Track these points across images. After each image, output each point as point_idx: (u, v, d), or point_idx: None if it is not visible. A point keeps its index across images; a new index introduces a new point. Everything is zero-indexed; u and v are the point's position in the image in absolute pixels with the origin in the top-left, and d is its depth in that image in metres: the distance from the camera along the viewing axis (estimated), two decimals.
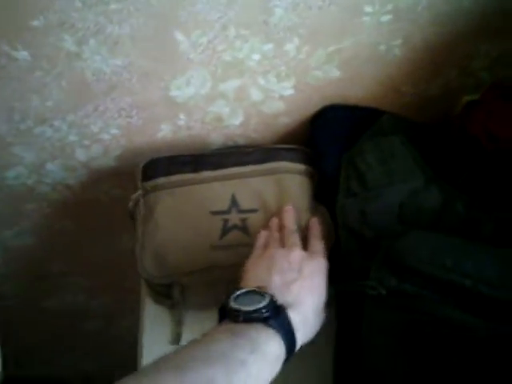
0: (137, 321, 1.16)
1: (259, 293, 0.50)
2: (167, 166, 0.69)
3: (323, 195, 0.68)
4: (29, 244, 0.91)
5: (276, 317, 0.48)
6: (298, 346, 0.49)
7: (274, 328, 0.47)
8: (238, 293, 0.50)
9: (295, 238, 0.60)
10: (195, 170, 0.69)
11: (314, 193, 0.69)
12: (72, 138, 0.73)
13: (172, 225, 0.65)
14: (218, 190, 0.67)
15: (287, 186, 0.68)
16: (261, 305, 0.47)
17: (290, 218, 0.64)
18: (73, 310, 1.09)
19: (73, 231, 0.90)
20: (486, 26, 0.69)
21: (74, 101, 0.69)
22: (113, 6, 0.59)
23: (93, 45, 0.63)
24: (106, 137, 0.74)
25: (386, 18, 0.65)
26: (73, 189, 0.82)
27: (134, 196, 0.68)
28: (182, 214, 0.66)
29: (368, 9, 0.64)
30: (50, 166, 0.77)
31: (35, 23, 0.59)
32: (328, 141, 0.71)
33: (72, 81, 0.66)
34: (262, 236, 0.63)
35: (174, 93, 0.70)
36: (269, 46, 0.66)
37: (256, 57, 0.67)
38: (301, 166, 0.70)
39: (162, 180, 0.68)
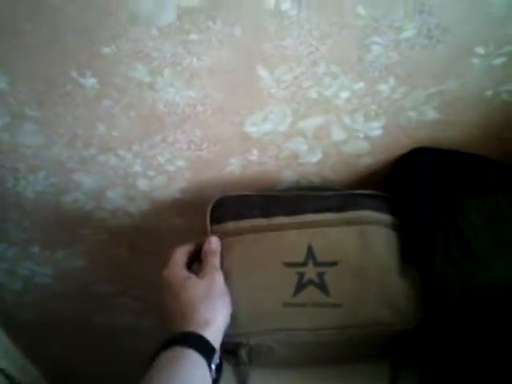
0: None
1: None
2: (236, 208, 0.63)
3: (412, 254, 0.60)
4: (81, 266, 0.87)
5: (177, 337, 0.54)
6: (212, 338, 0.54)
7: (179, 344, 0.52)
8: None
9: None
10: (267, 215, 0.62)
11: (402, 251, 0.61)
12: (136, 167, 0.69)
13: (242, 277, 0.59)
14: (292, 238, 0.60)
15: (372, 239, 0.60)
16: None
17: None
18: (120, 329, 1.06)
19: (127, 257, 0.86)
20: None
21: (142, 131, 0.63)
22: (193, 37, 0.53)
23: (167, 76, 0.57)
24: (171, 168, 0.69)
25: (499, 60, 0.57)
26: (133, 216, 0.77)
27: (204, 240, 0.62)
28: (253, 264, 0.60)
29: (480, 50, 0.56)
30: (110, 194, 0.73)
31: (106, 50, 0.55)
32: (418, 189, 0.63)
33: (141, 111, 0.61)
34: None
35: (249, 128, 0.63)
36: (360, 85, 0.59)
37: (345, 95, 0.60)
38: (387, 217, 0.62)
39: (230, 225, 0.62)
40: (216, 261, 0.61)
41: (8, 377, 0.47)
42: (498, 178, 0.59)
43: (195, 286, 0.58)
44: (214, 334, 0.54)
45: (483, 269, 0.52)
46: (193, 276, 0.59)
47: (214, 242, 0.62)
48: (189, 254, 0.63)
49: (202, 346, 0.52)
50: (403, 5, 0.52)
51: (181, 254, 0.62)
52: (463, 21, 0.53)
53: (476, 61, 0.57)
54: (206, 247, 0.62)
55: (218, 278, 0.59)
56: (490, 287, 0.51)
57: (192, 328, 0.53)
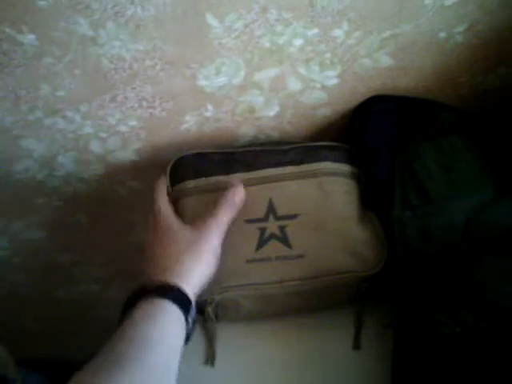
0: None
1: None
2: (195, 166, 0.62)
3: (372, 201, 0.61)
4: (39, 236, 0.84)
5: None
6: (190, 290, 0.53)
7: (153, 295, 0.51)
8: None
9: None
10: (226, 172, 0.61)
11: (361, 199, 0.61)
12: (87, 129, 0.66)
13: None
14: (253, 195, 0.60)
15: (331, 190, 0.60)
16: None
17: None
18: (84, 299, 1.04)
19: (86, 224, 0.83)
20: None
21: (90, 90, 0.60)
22: None
23: (111, 28, 0.54)
24: (124, 129, 0.66)
25: (450, 1, 0.56)
26: (87, 182, 0.74)
27: None
28: None
29: None
30: (61, 159, 0.70)
31: (42, 3, 0.51)
32: (376, 138, 0.63)
33: (86, 69, 0.57)
34: None
35: (202, 82, 0.61)
36: (314, 32, 0.57)
37: (298, 43, 0.58)
38: (346, 167, 0.62)
39: (190, 183, 0.61)
40: (228, 218, 0.57)
41: None
42: (451, 121, 0.59)
43: (187, 237, 0.56)
44: (192, 289, 0.53)
45: (440, 211, 0.52)
46: (187, 227, 0.57)
47: (238, 195, 0.59)
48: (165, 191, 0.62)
49: (181, 299, 0.51)
50: None
51: (163, 196, 0.60)
52: None
53: (428, 1, 0.55)
54: (228, 195, 0.58)
55: (217, 239, 0.56)
56: (447, 229, 0.52)
57: (172, 279, 0.52)
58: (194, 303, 0.52)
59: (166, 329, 0.49)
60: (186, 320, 0.51)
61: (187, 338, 0.52)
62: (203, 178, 0.61)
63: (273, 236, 0.58)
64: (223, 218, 0.57)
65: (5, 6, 0.51)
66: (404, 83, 0.65)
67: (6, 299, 1.01)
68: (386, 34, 0.58)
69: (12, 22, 0.52)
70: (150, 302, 0.49)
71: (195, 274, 0.53)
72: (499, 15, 0.58)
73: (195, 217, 0.59)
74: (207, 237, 0.55)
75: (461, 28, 0.59)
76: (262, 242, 0.58)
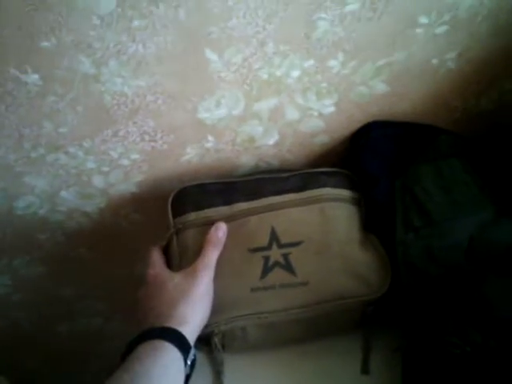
0: None
1: None
2: (197, 198, 0.62)
3: (374, 224, 0.61)
4: (41, 272, 0.84)
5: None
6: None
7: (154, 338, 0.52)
8: None
9: None
10: (228, 202, 0.62)
11: (363, 223, 0.62)
12: (89, 164, 0.67)
13: None
14: (255, 224, 0.60)
15: (332, 215, 0.61)
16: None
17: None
18: (86, 333, 1.03)
19: (88, 258, 0.83)
20: None
21: (92, 126, 0.61)
22: (136, 23, 0.52)
23: (113, 66, 0.55)
24: (126, 162, 0.67)
25: (441, 29, 0.58)
26: (90, 216, 0.75)
27: (168, 234, 0.61)
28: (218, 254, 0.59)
29: (423, 20, 0.56)
30: (64, 194, 0.70)
31: (46, 44, 0.52)
32: (374, 162, 0.64)
33: (89, 105, 0.59)
34: None
35: (202, 114, 0.62)
36: (310, 63, 0.59)
37: (295, 74, 0.60)
38: (346, 193, 0.63)
39: (191, 216, 0.61)
40: (214, 255, 0.59)
41: None
42: (448, 144, 0.60)
43: (179, 285, 0.57)
44: (191, 333, 0.54)
45: (442, 232, 0.53)
46: (177, 275, 0.58)
47: (221, 230, 0.60)
48: (162, 250, 0.63)
49: (180, 341, 0.52)
50: None
51: (158, 253, 0.62)
52: None
53: (420, 30, 0.57)
54: (211, 233, 0.60)
55: (207, 278, 0.57)
56: (450, 250, 0.52)
57: (170, 324, 0.53)
58: (193, 346, 0.53)
59: (167, 367, 0.50)
60: (185, 361, 0.52)
61: (186, 380, 0.53)
62: (204, 210, 0.62)
63: (277, 264, 0.58)
64: (210, 257, 0.58)
65: (9, 47, 0.52)
66: (400, 109, 0.67)
67: (7, 337, 1.00)
68: (381, 62, 0.60)
69: (16, 63, 0.54)
70: (151, 343, 0.51)
71: (191, 319, 0.54)
72: (488, 42, 0.60)
73: (197, 249, 0.59)
74: (198, 281, 0.57)
75: (452, 55, 0.61)
76: (266, 271, 0.58)
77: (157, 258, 0.62)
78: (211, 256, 0.59)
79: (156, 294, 0.57)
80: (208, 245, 0.59)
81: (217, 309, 0.56)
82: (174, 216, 0.62)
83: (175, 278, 0.58)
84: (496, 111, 0.70)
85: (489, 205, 0.54)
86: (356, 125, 0.68)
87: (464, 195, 0.55)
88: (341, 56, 0.58)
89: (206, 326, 0.56)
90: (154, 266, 0.61)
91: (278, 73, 0.59)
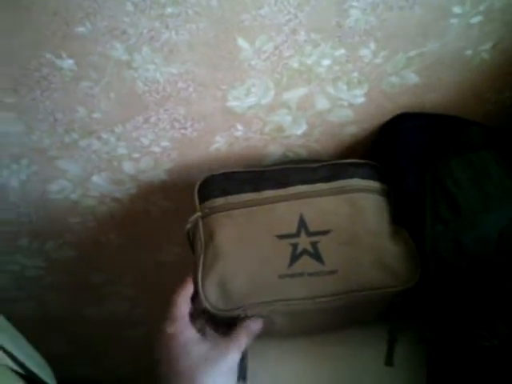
0: None
1: None
2: (224, 185, 0.63)
3: (403, 217, 0.61)
4: (71, 255, 0.86)
5: None
6: None
7: None
8: None
9: None
10: (256, 190, 0.62)
11: (392, 214, 0.61)
12: (120, 150, 0.68)
13: (234, 252, 0.58)
14: (283, 211, 0.60)
15: (362, 206, 0.60)
16: None
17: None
18: (113, 318, 1.05)
19: (117, 243, 0.85)
20: None
21: (124, 112, 0.63)
22: (169, 10, 0.53)
23: (146, 53, 0.56)
24: (156, 149, 0.68)
25: (476, 19, 0.57)
26: (121, 201, 0.76)
27: (192, 218, 0.61)
28: (245, 239, 0.59)
29: (457, 10, 0.56)
30: (96, 179, 0.72)
31: (81, 30, 0.53)
32: (404, 154, 0.63)
33: (121, 91, 0.60)
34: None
35: (232, 103, 0.63)
36: (341, 52, 0.58)
37: (326, 62, 0.60)
38: (375, 184, 0.62)
39: (219, 201, 0.62)
40: (245, 343, 0.55)
41: (17, 362, 0.46)
42: (479, 136, 0.59)
43: (204, 354, 0.53)
44: None
45: (472, 225, 0.52)
46: (206, 343, 0.54)
47: (258, 324, 0.57)
48: (188, 297, 0.58)
49: None
50: None
51: (185, 305, 0.56)
52: None
53: (454, 21, 0.57)
54: (248, 323, 0.56)
55: (236, 357, 0.54)
56: (480, 243, 0.52)
57: None
58: None
59: None
60: None
61: None
62: (233, 196, 0.62)
63: (305, 252, 0.58)
64: (242, 342, 0.55)
65: (46, 33, 0.54)
66: (431, 100, 0.66)
67: (35, 318, 1.03)
68: (413, 52, 0.59)
69: (52, 48, 0.55)
70: None
71: None
72: None
73: (225, 233, 0.60)
74: (227, 356, 0.53)
75: (487, 45, 0.60)
76: (294, 258, 0.58)
77: (183, 311, 0.56)
78: (242, 341, 0.55)
79: (176, 357, 0.52)
80: (242, 330, 0.56)
81: (243, 294, 0.57)
82: (201, 201, 0.62)
83: (203, 344, 0.53)
84: None
85: None
86: (386, 116, 0.67)
87: (495, 188, 0.54)
88: (372, 45, 0.58)
89: (232, 310, 0.56)
90: (176, 322, 0.54)
91: (309, 61, 0.59)
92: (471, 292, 0.48)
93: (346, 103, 0.65)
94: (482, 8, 0.56)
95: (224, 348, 0.54)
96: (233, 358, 0.54)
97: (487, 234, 0.51)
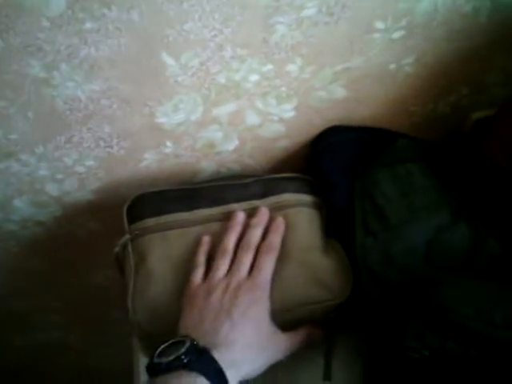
0: (119, 350, 1.08)
1: (181, 341, 0.48)
2: (155, 204, 0.61)
3: (334, 230, 0.61)
4: None
5: (198, 360, 0.46)
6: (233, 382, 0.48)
7: (196, 371, 0.45)
8: (162, 347, 0.48)
9: (243, 264, 0.55)
10: (189, 208, 0.60)
11: (324, 227, 0.61)
12: (42, 172, 0.64)
13: (168, 274, 0.56)
14: (217, 230, 0.59)
15: (293, 222, 0.60)
16: (179, 352, 0.46)
17: (254, 231, 0.57)
18: (45, 347, 0.99)
19: (43, 268, 0.80)
20: (502, 41, 0.63)
21: (44, 132, 0.59)
22: (88, 25, 0.50)
23: (64, 70, 0.53)
24: (81, 169, 0.65)
25: (398, 34, 0.58)
26: (45, 225, 0.72)
27: (121, 241, 0.59)
28: (178, 261, 0.57)
29: (379, 25, 0.57)
30: (17, 203, 0.68)
31: None
32: (334, 167, 0.64)
33: (40, 110, 0.56)
34: (202, 252, 0.57)
35: (160, 119, 0.61)
36: (268, 67, 0.58)
37: (254, 78, 0.59)
38: (307, 198, 0.62)
39: (151, 221, 0.59)
40: (272, 266, 0.55)
41: None
42: (406, 148, 0.61)
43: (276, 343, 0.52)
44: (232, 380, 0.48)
45: (399, 236, 0.53)
46: (279, 332, 0.53)
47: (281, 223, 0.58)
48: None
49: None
50: None
51: (204, 256, 0.57)
52: None
53: (377, 36, 0.58)
54: (268, 239, 0.56)
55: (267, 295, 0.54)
56: (408, 254, 0.52)
57: (221, 363, 0.47)
58: None
59: None
60: None
61: None
62: (164, 215, 0.60)
63: None
64: (268, 270, 0.55)
65: None
66: (359, 114, 0.67)
67: None
68: (339, 67, 0.60)
69: None
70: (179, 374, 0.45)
71: (245, 368, 0.49)
72: (444, 46, 0.61)
73: (157, 254, 0.57)
74: (261, 299, 0.53)
75: (409, 59, 0.62)
76: None
77: (202, 260, 0.56)
78: (269, 267, 0.55)
79: (199, 304, 0.52)
80: (262, 254, 0.56)
81: (178, 318, 0.54)
82: (130, 223, 0.60)
83: (277, 335, 0.52)
84: (453, 116, 0.71)
85: (446, 208, 0.55)
86: (316, 130, 0.67)
87: (421, 199, 0.55)
88: (299, 60, 0.58)
89: (167, 334, 0.53)
90: (198, 272, 0.55)
91: (237, 77, 0.58)
92: (401, 304, 0.48)
93: (276, 118, 0.64)
94: (403, 23, 0.58)
95: (254, 289, 0.52)
96: (266, 296, 0.53)
97: (415, 245, 0.52)
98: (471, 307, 0.44)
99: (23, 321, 0.92)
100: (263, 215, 0.59)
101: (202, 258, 0.57)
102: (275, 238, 0.57)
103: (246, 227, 0.59)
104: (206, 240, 0.58)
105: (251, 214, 0.60)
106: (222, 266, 0.56)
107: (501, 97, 0.70)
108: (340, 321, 0.57)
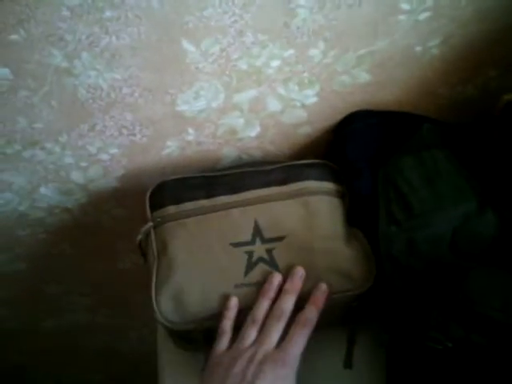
0: (143, 333, 1.10)
1: None
2: (176, 192, 0.61)
3: (358, 217, 0.60)
4: (23, 268, 0.83)
5: None
6: None
7: None
8: None
9: (273, 333, 0.52)
10: (209, 196, 0.60)
11: (346, 216, 0.60)
12: (67, 160, 0.65)
13: (188, 263, 0.57)
14: (237, 217, 0.59)
15: (316, 209, 0.59)
16: None
17: (288, 299, 0.54)
18: (72, 329, 1.02)
19: (71, 254, 0.82)
20: None
21: (67, 121, 0.60)
22: (108, 14, 0.50)
23: (86, 59, 0.53)
24: (105, 157, 0.65)
25: (424, 15, 0.56)
26: (71, 212, 0.73)
27: (144, 228, 0.59)
28: (199, 248, 0.57)
29: (405, 6, 0.55)
30: (43, 191, 0.69)
31: (15, 37, 0.50)
32: (358, 153, 0.62)
33: (63, 99, 0.57)
34: (230, 317, 0.54)
35: (181, 107, 0.61)
36: (290, 52, 0.57)
37: (275, 64, 0.58)
38: (329, 185, 0.61)
39: (171, 209, 0.59)
40: (304, 341, 0.52)
41: None
42: (432, 134, 0.59)
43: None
44: None
45: (424, 224, 0.52)
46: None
47: (312, 313, 0.53)
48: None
49: None
50: None
51: (230, 326, 0.54)
52: None
53: (402, 17, 0.56)
54: (303, 313, 0.53)
55: (294, 372, 0.51)
56: (433, 242, 0.51)
57: None
58: None
59: None
60: None
61: None
62: (185, 203, 0.60)
63: (261, 259, 0.57)
64: (300, 344, 0.52)
65: None
66: (383, 98, 0.65)
67: None
68: (362, 51, 0.58)
69: None
70: None
71: None
72: (472, 27, 0.59)
73: (178, 243, 0.58)
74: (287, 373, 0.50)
75: (436, 41, 0.60)
76: (249, 266, 0.57)
77: (227, 327, 0.54)
78: (301, 343, 0.52)
79: (221, 374, 0.50)
80: (296, 327, 0.52)
81: (199, 307, 0.55)
82: (153, 210, 0.60)
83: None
84: (481, 98, 0.68)
85: (472, 196, 0.53)
86: (339, 115, 0.66)
87: (447, 186, 0.54)
88: (321, 45, 0.57)
89: (189, 323, 0.55)
90: (223, 339, 0.53)
91: (258, 63, 0.57)
92: (426, 293, 0.47)
93: (298, 104, 0.64)
94: (429, 4, 0.56)
95: (283, 364, 0.50)
96: (292, 375, 0.50)
97: (440, 233, 0.51)
98: (498, 299, 0.43)
99: (53, 304, 0.95)
100: (298, 280, 0.55)
101: (227, 325, 0.54)
102: (313, 313, 0.53)
103: (280, 292, 0.55)
104: (234, 303, 0.55)
105: (287, 270, 0.56)
106: (251, 335, 0.53)
107: None
108: (363, 310, 0.57)
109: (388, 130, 0.64)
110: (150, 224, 0.60)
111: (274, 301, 0.55)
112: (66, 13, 0.49)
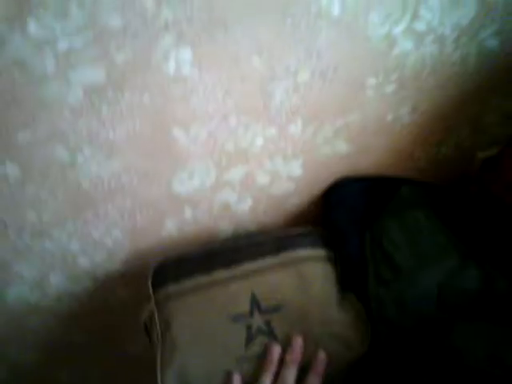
0: None
1: None
2: (176, 269, 0.64)
3: (350, 281, 0.62)
4: (35, 359, 0.84)
5: None
6: None
7: None
8: None
9: None
10: (207, 270, 0.63)
11: (339, 280, 0.63)
12: (73, 246, 0.69)
13: (191, 341, 0.58)
14: (235, 290, 0.61)
15: (309, 277, 0.62)
16: None
17: (290, 372, 0.56)
18: None
19: (80, 340, 0.83)
20: (494, 82, 0.66)
21: (73, 210, 0.64)
22: (105, 111, 0.56)
23: (87, 152, 0.59)
24: (108, 242, 0.69)
25: (390, 88, 0.62)
26: (79, 298, 0.76)
27: (148, 308, 0.62)
28: (200, 325, 0.60)
29: (371, 81, 0.61)
30: (52, 278, 0.72)
31: (22, 136, 0.56)
32: (346, 218, 0.66)
33: (68, 191, 0.62)
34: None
35: (177, 188, 0.66)
36: (272, 131, 0.63)
37: (259, 142, 0.64)
38: (320, 252, 0.65)
39: (172, 287, 0.62)
40: None
41: None
42: (411, 194, 0.63)
43: None
44: None
45: (411, 284, 0.54)
46: None
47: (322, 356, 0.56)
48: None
49: None
50: (294, 52, 0.57)
51: None
52: (350, 58, 0.58)
53: (370, 91, 0.62)
54: (316, 362, 0.56)
55: None
56: (421, 300, 0.54)
57: None
58: None
59: None
60: None
61: None
62: (185, 280, 0.62)
63: (260, 331, 0.59)
64: None
65: None
66: (364, 164, 0.70)
67: None
68: (338, 124, 0.64)
69: None
70: None
71: None
72: (437, 94, 0.64)
73: (180, 322, 0.59)
74: None
75: (405, 110, 0.65)
76: (249, 339, 0.59)
77: None
78: None
79: None
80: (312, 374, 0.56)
81: (204, 382, 0.56)
82: (155, 289, 0.63)
83: None
84: (457, 157, 0.73)
85: (454, 251, 0.56)
86: (324, 183, 0.71)
87: (429, 245, 0.57)
88: (300, 122, 0.62)
89: None
90: None
91: (243, 143, 0.63)
92: (417, 351, 0.49)
93: (285, 176, 0.68)
94: (394, 77, 0.62)
95: None
96: None
97: (427, 291, 0.53)
98: (483, 349, 0.44)
99: None
100: (298, 350, 0.57)
101: None
102: (316, 381, 0.56)
103: (281, 362, 0.57)
104: (237, 381, 0.57)
105: (287, 340, 0.58)
106: None
107: (502, 135, 0.72)
108: (360, 373, 0.57)
109: (371, 193, 0.68)
110: (153, 303, 0.62)
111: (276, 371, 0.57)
112: (66, 113, 0.55)
